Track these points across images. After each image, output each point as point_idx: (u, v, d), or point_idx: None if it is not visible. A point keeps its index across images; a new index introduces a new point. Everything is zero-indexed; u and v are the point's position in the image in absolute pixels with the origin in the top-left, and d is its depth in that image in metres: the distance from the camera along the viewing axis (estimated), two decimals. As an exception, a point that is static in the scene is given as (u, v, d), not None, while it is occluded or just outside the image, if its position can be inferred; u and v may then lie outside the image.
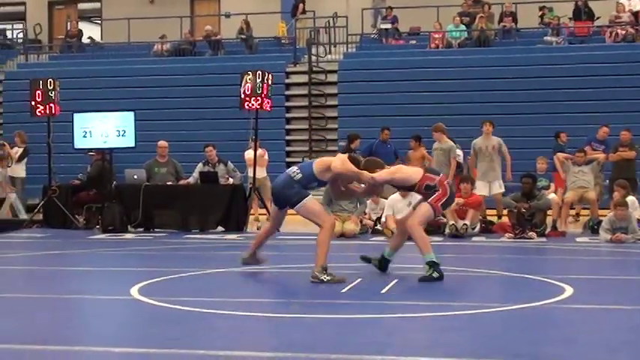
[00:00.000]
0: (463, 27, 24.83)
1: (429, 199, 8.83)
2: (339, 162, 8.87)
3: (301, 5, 26.78)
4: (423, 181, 8.84)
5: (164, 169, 16.02)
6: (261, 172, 17.12)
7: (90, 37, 29.12)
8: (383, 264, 9.31)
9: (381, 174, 8.94)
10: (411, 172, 9.05)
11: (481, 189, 15.25)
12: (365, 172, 8.84)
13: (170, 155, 16.46)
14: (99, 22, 31.89)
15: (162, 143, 16.36)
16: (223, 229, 15.06)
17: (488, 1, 25.82)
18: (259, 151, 16.49)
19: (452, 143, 15.77)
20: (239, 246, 13.20)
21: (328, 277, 8.56)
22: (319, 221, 8.89)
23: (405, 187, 9.48)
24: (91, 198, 16.13)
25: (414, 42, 26.29)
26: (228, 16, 28.23)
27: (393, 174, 9.03)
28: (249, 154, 16.66)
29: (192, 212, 15.30)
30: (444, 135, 15.78)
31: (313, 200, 9.01)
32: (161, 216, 15.33)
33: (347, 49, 25.84)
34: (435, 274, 8.63)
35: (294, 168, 9.09)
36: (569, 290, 7.77)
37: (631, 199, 13.80)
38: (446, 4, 25.51)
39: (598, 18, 25.01)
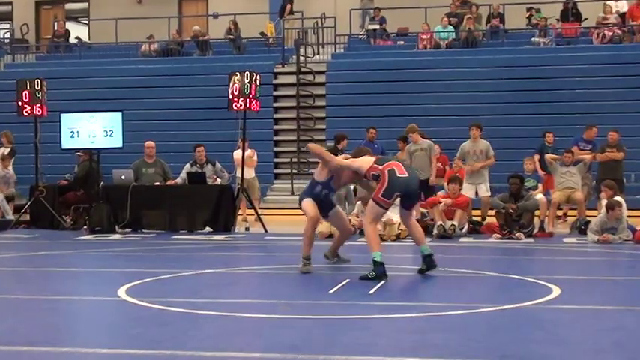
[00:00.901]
0: (451, 28, 24.87)
1: (373, 195, 9.28)
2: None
3: (289, 6, 26.76)
4: (369, 171, 9.32)
5: (152, 170, 15.99)
6: (250, 173, 17.14)
7: (77, 38, 29.03)
8: (428, 261, 9.31)
9: (342, 161, 9.80)
10: (363, 162, 9.49)
11: (468, 192, 15.26)
12: (334, 158, 9.84)
13: (158, 156, 16.43)
14: (86, 22, 31.80)
15: (149, 144, 16.33)
16: (211, 230, 15.05)
17: (475, 2, 25.87)
18: (249, 151, 16.49)
19: (430, 142, 15.73)
20: (227, 247, 13.23)
21: (301, 266, 9.47)
22: (306, 216, 9.73)
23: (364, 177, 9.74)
24: (79, 199, 16.09)
25: (402, 43, 26.32)
26: (216, 16, 28.22)
27: (352, 162, 9.65)
28: (237, 154, 16.66)
29: (180, 213, 15.29)
30: (418, 135, 15.73)
31: (307, 200, 9.77)
32: (149, 216, 15.32)
33: (335, 50, 25.86)
34: (372, 274, 8.79)
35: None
36: (556, 291, 7.80)
37: (618, 199, 13.83)
38: (434, 5, 25.56)
39: (585, 19, 25.12)
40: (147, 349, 5.69)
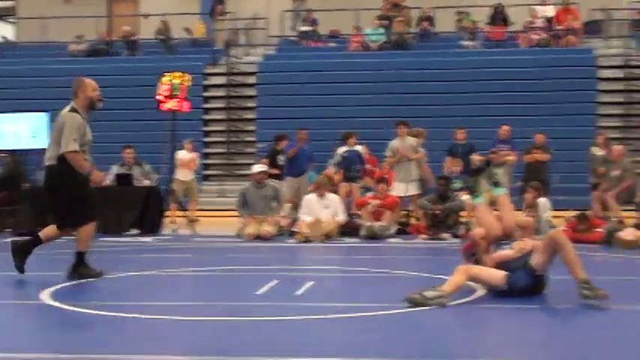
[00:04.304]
0: (382, 30, 25.06)
1: None
2: None
3: (220, 6, 26.61)
4: None
5: (80, 171, 15.76)
6: (189, 175, 17.18)
7: (3, 37, 28.51)
8: None
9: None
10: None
11: (399, 190, 15.41)
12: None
13: (85, 156, 16.20)
14: (13, 20, 31.23)
15: (74, 144, 16.12)
16: (138, 232, 14.90)
17: (406, 5, 26.10)
18: (191, 154, 16.63)
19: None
20: (154, 249, 13.10)
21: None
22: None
23: None
24: (3, 200, 15.79)
25: (333, 44, 26.44)
26: (146, 16, 27.97)
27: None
28: (181, 154, 16.89)
29: (107, 214, 15.05)
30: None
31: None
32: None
33: (266, 51, 25.82)
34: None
35: None
36: (480, 290, 7.89)
37: (542, 200, 14.09)
38: (365, 7, 25.73)
39: (513, 23, 25.55)
40: (70, 354, 5.58)
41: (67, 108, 9.19)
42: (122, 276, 9.57)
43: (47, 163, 9.12)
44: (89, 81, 9.34)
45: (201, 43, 26.55)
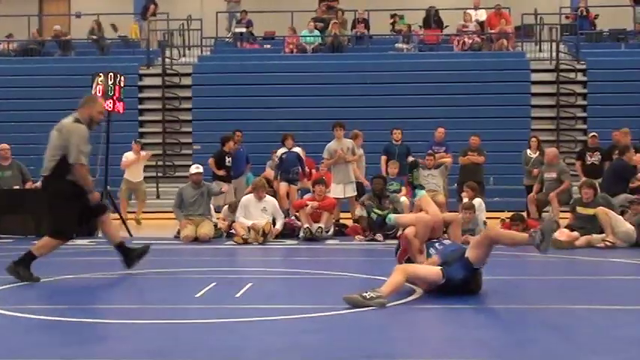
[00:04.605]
0: (317, 32, 25.12)
1: None
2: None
3: (152, 7, 26.31)
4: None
5: (8, 172, 15.56)
6: (138, 176, 17.12)
7: None
8: None
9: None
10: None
11: (336, 192, 15.45)
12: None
13: (18, 158, 15.95)
14: (-60, 19, 30.51)
15: (2, 145, 15.92)
16: (74, 234, 14.64)
17: (341, 8, 26.22)
18: (143, 153, 16.69)
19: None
20: (90, 252, 12.90)
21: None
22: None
23: None
24: None
25: (268, 46, 26.42)
26: (78, 15, 27.60)
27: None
28: (129, 155, 16.84)
29: (41, 217, 14.80)
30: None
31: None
32: (8, 221, 14.83)
33: (201, 52, 25.69)
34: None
35: None
36: (419, 291, 7.96)
37: (478, 201, 14.28)
38: (300, 9, 25.77)
39: (447, 27, 25.85)
40: (5, 359, 5.48)
41: (71, 119, 9.15)
42: (58, 279, 9.41)
43: (44, 173, 9.00)
44: (101, 103, 9.59)
45: (135, 43, 26.30)
